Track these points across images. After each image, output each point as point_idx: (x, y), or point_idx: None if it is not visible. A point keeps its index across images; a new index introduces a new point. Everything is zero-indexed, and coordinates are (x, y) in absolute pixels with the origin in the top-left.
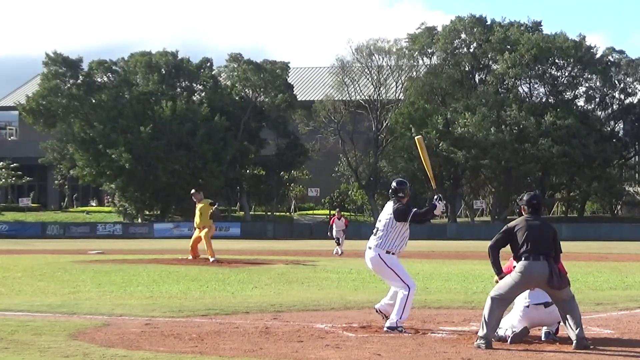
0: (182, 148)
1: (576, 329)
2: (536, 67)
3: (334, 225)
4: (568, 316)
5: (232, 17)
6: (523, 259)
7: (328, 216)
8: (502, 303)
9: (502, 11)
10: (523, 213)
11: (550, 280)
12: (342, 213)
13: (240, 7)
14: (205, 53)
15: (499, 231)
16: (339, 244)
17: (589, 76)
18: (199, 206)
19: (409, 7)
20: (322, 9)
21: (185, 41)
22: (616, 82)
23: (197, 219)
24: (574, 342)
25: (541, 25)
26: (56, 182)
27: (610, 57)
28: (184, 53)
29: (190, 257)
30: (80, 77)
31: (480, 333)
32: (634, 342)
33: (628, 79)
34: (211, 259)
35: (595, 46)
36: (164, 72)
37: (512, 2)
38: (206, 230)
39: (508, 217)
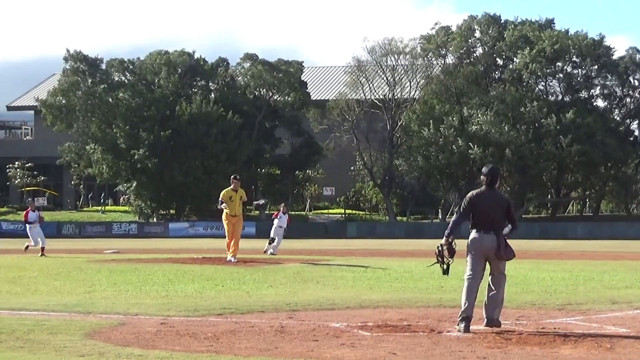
0: (197, 148)
1: (495, 309)
2: (555, 65)
3: (275, 220)
4: (493, 292)
5: (247, 18)
6: (474, 231)
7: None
8: (474, 280)
9: (514, 10)
10: (483, 184)
11: (498, 252)
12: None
13: (254, 9)
14: (220, 53)
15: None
16: (270, 243)
17: (607, 75)
18: (238, 194)
19: (433, 8)
20: (337, 10)
21: (201, 42)
22: (636, 82)
23: (237, 208)
24: (485, 321)
25: (554, 23)
26: (72, 182)
27: (631, 58)
28: (200, 53)
29: (231, 257)
30: (98, 75)
31: (461, 312)
32: None
33: None
34: (234, 259)
35: (613, 47)
36: (180, 71)
37: (525, 1)
38: (230, 229)
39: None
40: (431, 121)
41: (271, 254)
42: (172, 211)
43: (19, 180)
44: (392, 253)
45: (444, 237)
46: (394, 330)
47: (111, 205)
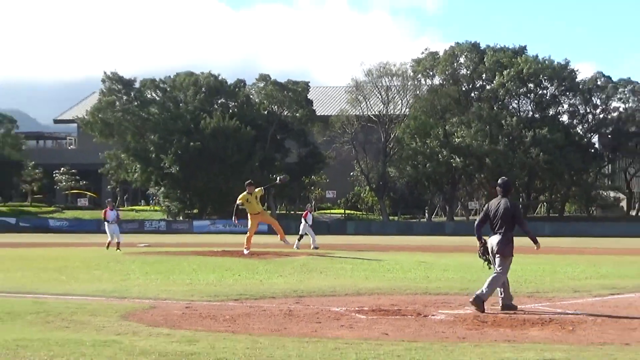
0: (217, 157)
1: (486, 291)
2: (527, 86)
3: (303, 220)
4: (493, 278)
5: (264, 45)
6: (492, 232)
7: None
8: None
9: (494, 37)
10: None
11: (496, 247)
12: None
13: (270, 37)
14: (240, 74)
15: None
16: (300, 239)
17: (571, 95)
18: (254, 195)
19: (425, 37)
20: (339, 38)
21: (224, 65)
22: (598, 101)
23: (257, 206)
24: (474, 296)
25: (526, 50)
26: (109, 186)
27: (595, 81)
28: (222, 74)
29: (246, 251)
30: (132, 94)
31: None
32: (606, 324)
33: (608, 98)
34: (245, 252)
35: (577, 70)
36: (205, 90)
37: (503, 29)
38: (254, 224)
39: None
40: (419, 134)
41: (297, 248)
42: (195, 211)
43: (64, 184)
44: (385, 248)
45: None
46: (386, 314)
47: (143, 206)
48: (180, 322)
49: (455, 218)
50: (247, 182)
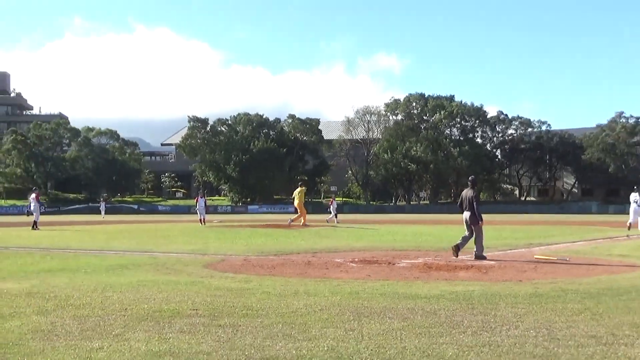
0: (261, 166)
1: (477, 249)
2: (455, 119)
3: (331, 205)
4: (476, 239)
5: (295, 93)
6: (464, 211)
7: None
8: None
9: (434, 88)
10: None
11: (469, 221)
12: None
13: (299, 88)
14: (277, 114)
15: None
16: (336, 217)
17: (483, 125)
18: (296, 193)
19: (381, 85)
20: (338, 90)
21: (267, 106)
22: (499, 129)
23: (296, 201)
24: (474, 254)
25: (453, 96)
26: (197, 184)
27: (498, 116)
28: (266, 114)
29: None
30: (208, 128)
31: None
32: (507, 268)
33: (507, 127)
34: (301, 223)
35: (487, 111)
36: (254, 124)
37: (440, 83)
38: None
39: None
40: (389, 150)
41: (332, 222)
42: (249, 199)
43: (167, 183)
44: (368, 221)
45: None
46: (369, 263)
47: (216, 197)
48: (240, 269)
49: (411, 202)
50: (300, 182)
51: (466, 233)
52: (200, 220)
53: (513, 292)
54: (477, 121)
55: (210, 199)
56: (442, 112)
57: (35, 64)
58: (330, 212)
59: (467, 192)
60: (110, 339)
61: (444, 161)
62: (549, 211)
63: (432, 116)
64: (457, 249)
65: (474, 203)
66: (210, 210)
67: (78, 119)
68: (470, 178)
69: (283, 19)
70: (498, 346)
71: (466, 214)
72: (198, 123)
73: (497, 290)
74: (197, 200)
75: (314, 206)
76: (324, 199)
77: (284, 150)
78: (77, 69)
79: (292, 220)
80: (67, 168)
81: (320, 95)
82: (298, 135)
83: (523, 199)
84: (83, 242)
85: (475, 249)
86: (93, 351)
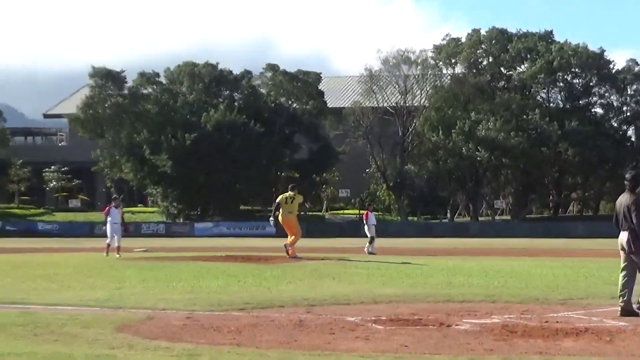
0: (221, 153)
1: (625, 297)
2: (557, 74)
3: (365, 221)
4: (627, 280)
5: (274, 32)
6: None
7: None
8: (621, 272)
9: (523, 21)
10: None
11: (627, 246)
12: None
13: (283, 21)
14: (242, 61)
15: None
16: (371, 243)
17: (605, 86)
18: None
19: (433, 16)
20: (352, 26)
21: (229, 54)
22: (633, 91)
23: (280, 216)
24: (619, 310)
25: (552, 35)
26: (107, 185)
27: (629, 69)
28: (228, 65)
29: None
30: (125, 88)
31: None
32: None
33: None
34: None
35: (613, 61)
36: (206, 82)
37: (529, 12)
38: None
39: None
40: (441, 127)
41: (370, 253)
42: (197, 212)
43: (54, 184)
44: (403, 251)
45: None
46: (406, 323)
47: (140, 207)
48: (180, 334)
49: (480, 218)
50: (292, 185)
51: (627, 271)
52: (109, 247)
53: None
54: (595, 77)
55: (130, 211)
56: (534, 61)
57: None
58: (367, 235)
59: (625, 199)
60: None
61: (536, 145)
62: None
63: (517, 68)
64: (627, 305)
65: (636, 216)
66: (131, 231)
67: None
68: (629, 175)
69: None
70: None
71: (623, 237)
72: (107, 80)
73: None
74: (106, 213)
75: (312, 224)
76: (327, 212)
77: (260, 126)
78: None
79: (290, 245)
80: None
81: (325, 30)
82: (284, 100)
83: None
84: None
85: (622, 296)
86: None
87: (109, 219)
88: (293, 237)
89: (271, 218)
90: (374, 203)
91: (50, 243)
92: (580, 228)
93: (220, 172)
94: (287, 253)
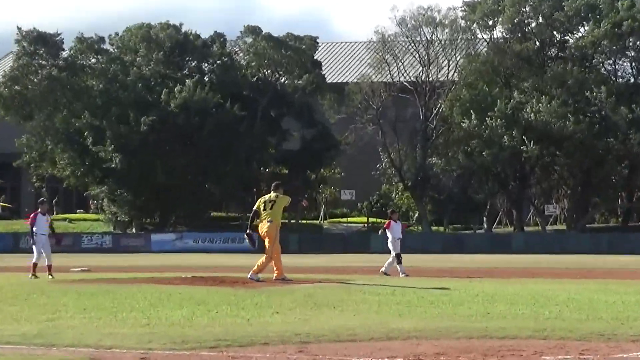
0: (186, 142)
1: None
2: (626, 41)
3: (388, 232)
4: None
5: None
6: None
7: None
8: None
9: None
10: None
11: None
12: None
13: None
14: (215, 26)
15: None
16: (400, 262)
17: None
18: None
19: None
20: None
21: (195, 14)
22: None
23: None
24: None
25: None
26: (35, 184)
27: None
28: (192, 27)
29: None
30: (62, 57)
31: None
32: None
33: None
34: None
35: None
36: (166, 49)
37: None
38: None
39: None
40: (475, 109)
41: (404, 274)
42: (155, 220)
43: None
44: (426, 271)
45: None
46: None
47: (80, 214)
48: None
49: (525, 228)
50: (277, 183)
51: None
52: (35, 266)
53: None
54: None
55: (66, 219)
56: (597, 23)
57: None
58: (391, 251)
59: None
60: None
61: (600, 133)
62: None
63: (574, 32)
64: None
65: None
66: (66, 244)
67: None
68: None
69: None
70: None
71: None
72: (38, 45)
73: None
74: (32, 222)
75: (306, 235)
76: (325, 220)
77: (237, 107)
78: None
79: (257, 271)
80: None
81: None
82: (268, 73)
83: None
84: None
85: None
86: None
87: (34, 229)
88: (264, 257)
89: (247, 231)
90: (388, 207)
91: None
92: None
93: (186, 168)
94: (281, 277)
